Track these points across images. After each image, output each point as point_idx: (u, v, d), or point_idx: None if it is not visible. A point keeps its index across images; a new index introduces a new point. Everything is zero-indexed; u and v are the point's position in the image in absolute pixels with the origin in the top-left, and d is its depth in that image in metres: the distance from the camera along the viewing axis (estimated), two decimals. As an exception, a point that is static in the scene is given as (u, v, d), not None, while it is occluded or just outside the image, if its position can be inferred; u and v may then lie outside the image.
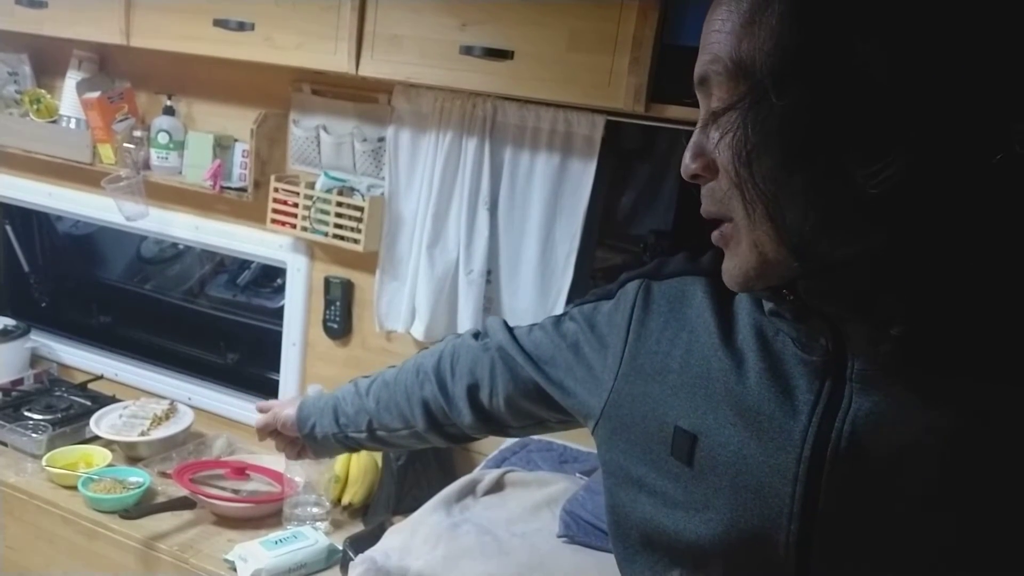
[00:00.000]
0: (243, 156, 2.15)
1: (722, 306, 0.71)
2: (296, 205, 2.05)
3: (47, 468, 2.02)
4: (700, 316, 0.72)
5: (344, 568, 1.70)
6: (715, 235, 0.63)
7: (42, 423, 2.20)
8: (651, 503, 0.72)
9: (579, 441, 1.93)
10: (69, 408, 2.31)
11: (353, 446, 1.12)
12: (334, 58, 1.79)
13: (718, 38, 0.59)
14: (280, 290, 2.37)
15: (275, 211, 2.08)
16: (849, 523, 0.61)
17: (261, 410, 1.20)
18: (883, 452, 0.60)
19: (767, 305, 0.67)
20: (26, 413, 2.25)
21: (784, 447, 0.63)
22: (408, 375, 1.03)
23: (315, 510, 1.92)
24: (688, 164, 0.62)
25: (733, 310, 0.71)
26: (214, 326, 2.57)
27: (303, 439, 1.14)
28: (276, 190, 2.07)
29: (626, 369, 0.76)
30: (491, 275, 1.92)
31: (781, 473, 0.63)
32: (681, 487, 0.69)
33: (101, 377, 2.51)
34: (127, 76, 2.29)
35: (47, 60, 2.41)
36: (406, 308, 1.99)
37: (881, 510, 0.60)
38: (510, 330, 0.94)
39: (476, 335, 1.00)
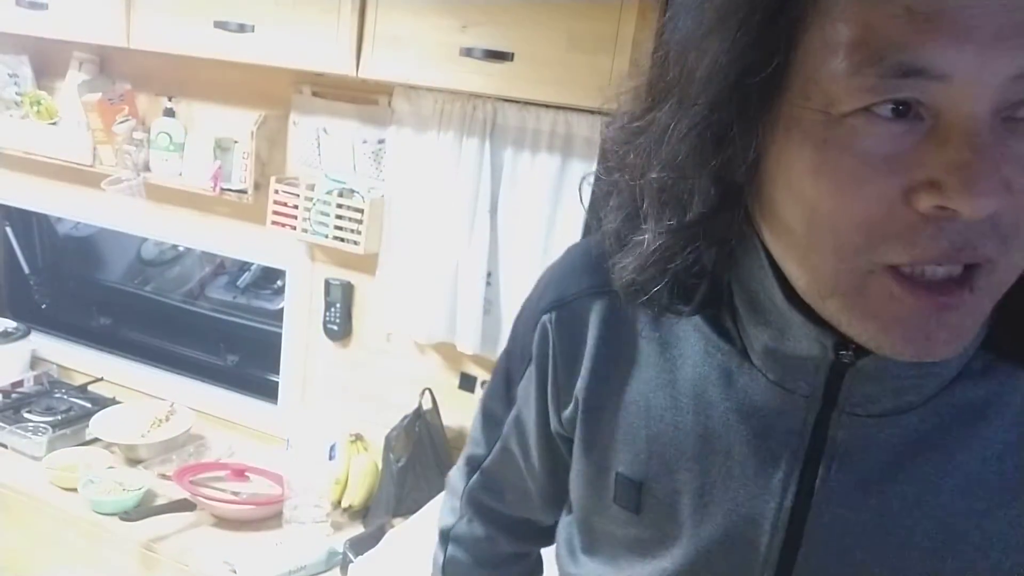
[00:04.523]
0: (243, 158, 2.14)
1: (660, 333, 0.61)
2: (296, 207, 2.05)
3: (47, 470, 2.02)
4: (629, 345, 0.62)
5: (344, 570, 1.70)
6: (951, 296, 0.45)
7: (42, 425, 2.20)
8: (605, 542, 0.67)
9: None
10: (69, 410, 2.31)
11: None
12: (334, 60, 1.79)
13: None
14: (280, 292, 2.37)
15: (275, 213, 2.08)
16: (830, 564, 0.56)
17: None
18: (870, 478, 0.55)
19: (761, 340, 0.55)
20: (26, 415, 2.25)
21: (758, 495, 0.56)
22: None
23: (315, 512, 1.91)
24: (999, 196, 0.42)
25: (675, 337, 0.61)
26: (214, 328, 2.57)
27: None
28: (276, 192, 2.07)
29: (568, 415, 0.68)
30: (491, 277, 1.92)
31: (755, 522, 0.57)
32: (632, 531, 0.63)
33: (101, 379, 2.50)
34: (127, 78, 2.29)
35: (47, 62, 2.41)
36: (406, 310, 1.99)
37: (864, 545, 0.55)
38: (481, 500, 0.82)
39: (445, 539, 0.86)
